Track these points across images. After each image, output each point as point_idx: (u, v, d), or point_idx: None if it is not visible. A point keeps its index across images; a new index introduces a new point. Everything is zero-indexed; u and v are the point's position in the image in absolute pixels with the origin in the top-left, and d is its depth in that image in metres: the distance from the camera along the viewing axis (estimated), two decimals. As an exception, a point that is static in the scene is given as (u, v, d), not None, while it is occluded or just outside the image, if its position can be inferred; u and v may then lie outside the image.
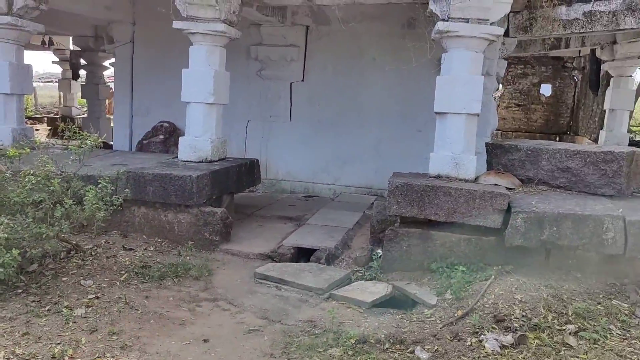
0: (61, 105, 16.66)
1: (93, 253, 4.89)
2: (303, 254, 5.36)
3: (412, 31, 7.42)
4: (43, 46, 11.10)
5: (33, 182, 4.07)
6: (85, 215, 4.24)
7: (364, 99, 7.97)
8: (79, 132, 4.83)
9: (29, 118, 17.37)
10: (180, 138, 6.14)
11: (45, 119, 16.70)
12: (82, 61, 12.52)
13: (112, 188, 4.83)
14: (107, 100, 13.25)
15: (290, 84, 8.26)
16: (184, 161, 6.03)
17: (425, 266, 4.70)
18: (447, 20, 4.97)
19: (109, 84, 13.28)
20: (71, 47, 13.45)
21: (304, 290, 4.45)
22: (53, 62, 15.67)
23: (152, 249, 5.19)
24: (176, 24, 5.94)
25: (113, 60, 13.46)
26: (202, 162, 5.99)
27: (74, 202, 4.46)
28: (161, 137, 8.34)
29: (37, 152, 4.91)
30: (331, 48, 8.03)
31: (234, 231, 5.68)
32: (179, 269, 4.70)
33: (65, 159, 4.95)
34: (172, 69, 8.68)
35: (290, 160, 8.32)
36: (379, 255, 5.01)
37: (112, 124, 13.55)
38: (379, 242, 5.33)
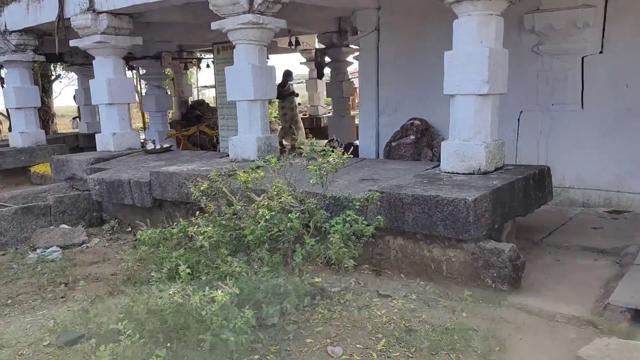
0: (309, 106, 16.93)
1: (341, 301, 3.79)
2: (642, 319, 3.43)
3: None
4: (290, 47, 10.98)
5: (267, 217, 3.09)
6: (333, 256, 3.13)
7: None
8: (316, 148, 3.75)
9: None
10: (443, 143, 4.71)
11: (295, 119, 17.14)
12: (327, 59, 12.13)
13: (359, 215, 3.68)
14: (350, 97, 12.77)
15: (582, 58, 6.12)
16: (447, 173, 4.61)
17: None
18: None
19: (352, 80, 12.68)
20: (316, 45, 13.25)
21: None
22: (300, 63, 15.93)
23: (413, 296, 3.87)
24: (437, -8, 4.52)
25: (357, 54, 12.91)
26: (472, 173, 4.48)
27: (318, 238, 3.40)
28: (412, 137, 7.07)
29: (282, 165, 3.95)
30: (648, 2, 5.67)
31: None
32: (455, 337, 3.28)
33: (304, 177, 3.97)
34: (422, 57, 7.37)
35: (581, 161, 6.21)
36: None
37: (356, 122, 13.01)
38: None
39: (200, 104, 16.19)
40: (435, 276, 4.03)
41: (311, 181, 3.44)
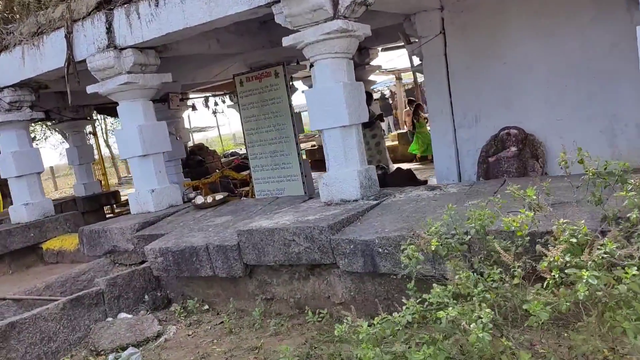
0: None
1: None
2: None
3: None
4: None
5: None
6: None
7: None
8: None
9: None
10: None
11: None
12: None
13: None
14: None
15: None
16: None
17: None
18: None
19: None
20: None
21: None
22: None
23: None
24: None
25: (372, 76, 11.93)
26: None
27: None
28: (513, 149, 6.02)
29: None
30: None
31: None
32: None
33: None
34: (505, 56, 6.33)
35: None
36: None
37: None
38: None
39: (200, 148, 14.91)
40: None
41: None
